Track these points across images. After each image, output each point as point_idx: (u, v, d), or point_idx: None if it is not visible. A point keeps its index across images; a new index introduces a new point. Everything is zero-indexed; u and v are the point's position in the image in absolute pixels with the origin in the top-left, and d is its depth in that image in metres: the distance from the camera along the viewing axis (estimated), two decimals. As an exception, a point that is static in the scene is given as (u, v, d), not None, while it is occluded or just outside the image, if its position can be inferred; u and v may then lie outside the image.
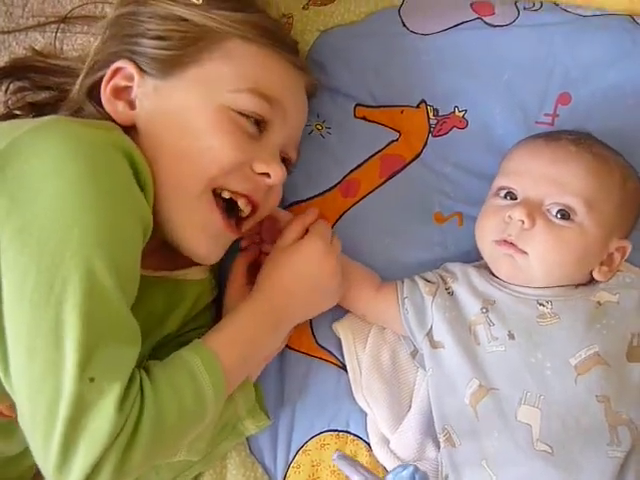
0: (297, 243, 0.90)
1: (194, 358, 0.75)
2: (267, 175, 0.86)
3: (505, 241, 0.86)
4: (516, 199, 0.89)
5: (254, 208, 0.88)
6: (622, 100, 0.98)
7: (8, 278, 0.65)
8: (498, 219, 0.88)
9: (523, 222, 0.84)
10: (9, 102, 0.94)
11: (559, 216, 0.85)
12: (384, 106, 1.04)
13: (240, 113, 0.83)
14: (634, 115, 0.98)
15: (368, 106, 1.05)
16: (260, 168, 0.85)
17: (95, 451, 0.62)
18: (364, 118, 1.05)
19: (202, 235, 0.85)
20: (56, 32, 1.00)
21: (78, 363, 0.62)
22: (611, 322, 0.84)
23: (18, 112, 0.93)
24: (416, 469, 0.66)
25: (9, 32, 1.13)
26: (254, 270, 0.94)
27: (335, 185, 1.03)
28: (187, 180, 0.82)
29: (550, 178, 0.86)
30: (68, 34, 1.03)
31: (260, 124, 0.85)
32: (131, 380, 0.66)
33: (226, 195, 0.85)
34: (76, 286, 0.64)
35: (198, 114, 0.82)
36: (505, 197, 0.90)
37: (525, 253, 0.85)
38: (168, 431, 0.69)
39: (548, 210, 0.85)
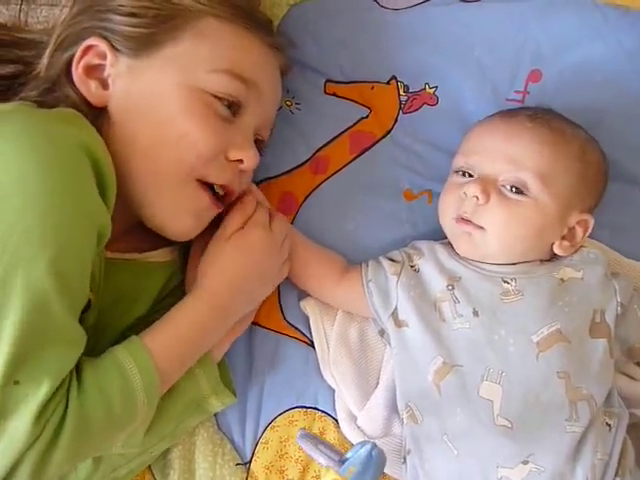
0: (238, 235, 0.87)
1: (128, 360, 0.73)
2: (241, 161, 0.85)
3: (462, 218, 0.87)
4: (473, 177, 0.89)
5: (228, 193, 0.88)
6: (591, 77, 0.98)
7: None
8: (455, 196, 0.89)
9: (478, 198, 0.84)
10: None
11: (513, 191, 0.85)
12: (354, 82, 1.04)
13: (214, 96, 0.82)
14: (603, 92, 0.98)
15: (338, 82, 1.04)
16: (235, 155, 0.84)
17: (11, 453, 0.62)
18: (334, 94, 1.04)
19: (188, 215, 0.85)
20: (20, 4, 0.97)
21: (6, 366, 0.61)
22: (574, 299, 0.84)
23: None
24: (374, 446, 0.67)
25: (-28, 5, 1.11)
26: None
27: (305, 162, 1.03)
28: (167, 167, 0.81)
29: (504, 154, 0.86)
30: (33, 6, 1.00)
31: (234, 107, 0.84)
32: (61, 383, 0.66)
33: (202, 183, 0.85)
34: (13, 290, 0.63)
35: (172, 97, 0.80)
36: (463, 175, 0.90)
37: (482, 228, 0.86)
38: (93, 435, 0.68)
39: (503, 185, 0.85)
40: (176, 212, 0.84)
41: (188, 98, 0.81)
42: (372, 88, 1.03)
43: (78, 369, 0.70)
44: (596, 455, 0.80)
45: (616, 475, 0.81)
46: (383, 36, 1.01)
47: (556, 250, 0.89)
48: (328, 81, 1.04)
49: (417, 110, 1.03)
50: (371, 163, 1.02)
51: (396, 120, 1.03)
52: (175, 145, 0.80)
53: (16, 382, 0.62)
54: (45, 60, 0.84)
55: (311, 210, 1.01)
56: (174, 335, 0.80)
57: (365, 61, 1.03)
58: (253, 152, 0.86)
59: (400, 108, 1.03)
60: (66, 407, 0.65)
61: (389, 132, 1.03)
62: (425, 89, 1.02)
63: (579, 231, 0.89)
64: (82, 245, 0.70)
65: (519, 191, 0.85)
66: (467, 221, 0.87)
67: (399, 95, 1.03)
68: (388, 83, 1.03)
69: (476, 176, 0.88)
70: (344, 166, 1.02)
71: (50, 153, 0.68)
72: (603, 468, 0.81)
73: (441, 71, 1.02)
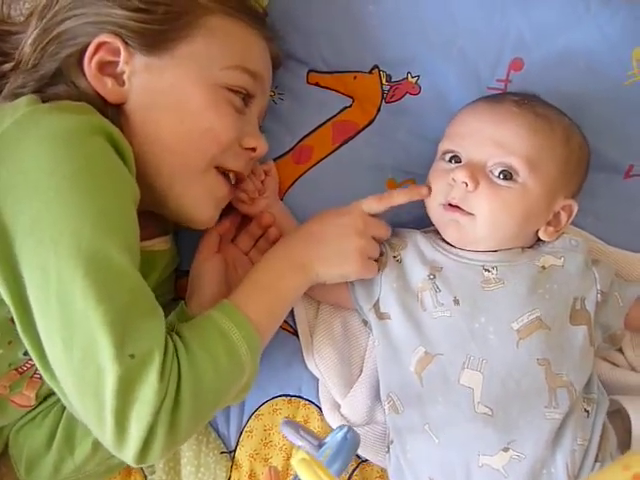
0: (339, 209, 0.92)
1: (219, 316, 0.77)
2: (252, 149, 0.90)
3: (450, 204, 0.87)
4: (460, 162, 0.89)
5: (238, 179, 0.93)
6: (574, 65, 0.97)
7: (30, 276, 0.66)
8: (443, 182, 0.88)
9: (466, 184, 0.84)
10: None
11: (501, 177, 0.85)
12: (337, 72, 1.04)
13: (230, 90, 0.85)
14: (585, 80, 0.98)
15: (321, 72, 1.04)
16: (249, 143, 0.89)
17: (146, 421, 0.65)
18: (317, 84, 1.04)
19: (210, 201, 0.89)
20: (3, -4, 0.98)
21: (114, 345, 0.64)
22: (554, 287, 0.85)
23: None
24: (349, 429, 0.68)
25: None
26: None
27: (288, 151, 1.03)
28: (192, 159, 0.85)
29: (492, 139, 0.86)
30: (15, -2, 1.01)
31: (246, 99, 0.88)
32: (165, 346, 0.68)
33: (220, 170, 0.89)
34: (97, 275, 0.65)
35: (193, 93, 0.83)
36: (450, 161, 0.90)
37: (471, 215, 0.86)
38: (208, 389, 0.71)
39: (491, 171, 0.86)
40: (202, 202, 0.88)
41: (209, 94, 0.84)
42: (354, 78, 1.03)
43: (177, 331, 0.74)
44: (576, 441, 0.81)
45: (596, 460, 0.82)
46: (365, 26, 1.01)
47: (541, 235, 0.89)
48: (311, 71, 1.04)
49: (400, 99, 1.03)
50: (354, 153, 1.02)
51: (379, 109, 1.03)
52: (200, 138, 0.84)
53: (131, 356, 0.65)
54: (27, 50, 0.84)
55: (294, 199, 1.01)
56: (254, 287, 0.84)
57: (347, 51, 1.03)
58: (263, 140, 0.91)
59: (383, 97, 1.03)
60: (179, 366, 0.69)
61: (372, 121, 1.03)
62: (407, 78, 1.02)
63: (563, 216, 0.90)
64: (132, 217, 0.74)
65: (507, 177, 0.85)
66: (455, 207, 0.86)
67: (381, 85, 1.03)
68: (370, 73, 1.03)
69: (463, 161, 0.88)
70: (327, 156, 1.02)
71: (83, 145, 0.71)
72: (583, 454, 0.81)
73: (423, 60, 1.01)
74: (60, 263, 0.65)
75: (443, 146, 0.92)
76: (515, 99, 0.89)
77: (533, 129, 0.86)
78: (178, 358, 0.69)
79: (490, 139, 0.86)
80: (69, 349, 0.65)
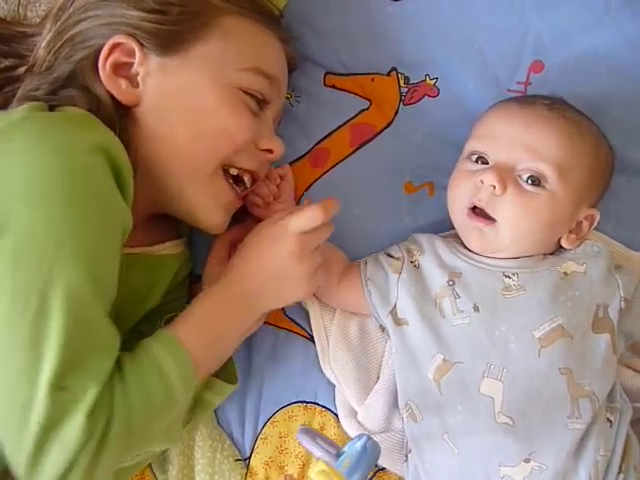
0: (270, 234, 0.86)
1: (162, 353, 0.73)
2: (269, 151, 0.89)
3: (474, 210, 0.85)
4: (487, 164, 0.87)
5: (254, 181, 0.91)
6: (595, 67, 0.96)
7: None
8: (469, 184, 0.86)
9: (494, 187, 0.82)
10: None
11: (529, 182, 0.83)
12: (354, 74, 1.03)
13: (245, 92, 0.85)
14: (606, 82, 0.96)
15: (338, 74, 1.03)
16: (265, 145, 0.88)
17: (66, 456, 0.62)
18: (334, 86, 1.03)
19: (217, 207, 0.88)
20: (20, -3, 0.97)
21: (54, 373, 0.62)
22: (576, 294, 0.83)
23: None
24: (368, 439, 0.67)
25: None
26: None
27: (304, 155, 1.02)
28: (202, 160, 0.84)
29: (523, 143, 0.84)
30: (32, 0, 1.01)
31: (261, 102, 0.87)
32: (104, 386, 0.66)
33: (234, 172, 0.87)
34: (54, 302, 0.64)
35: (207, 94, 0.83)
36: (476, 161, 0.88)
37: (493, 221, 0.84)
38: (136, 430, 0.69)
39: (519, 176, 0.83)
40: (209, 207, 0.87)
41: (224, 94, 0.83)
42: (372, 80, 1.02)
43: (119, 366, 0.70)
44: (598, 452, 0.79)
45: (619, 472, 0.80)
46: (382, 27, 1.00)
47: (563, 243, 0.87)
48: (328, 73, 1.03)
49: (418, 102, 1.02)
50: (371, 156, 1.01)
51: (397, 112, 1.02)
52: (213, 139, 0.83)
53: (63, 388, 0.63)
54: (41, 52, 0.84)
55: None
56: (202, 323, 0.80)
57: (365, 52, 1.02)
58: (280, 142, 0.90)
59: (401, 100, 1.02)
60: (112, 407, 0.66)
61: (390, 124, 1.02)
62: (425, 80, 1.01)
63: (585, 225, 0.88)
64: (111, 248, 0.72)
65: (535, 183, 0.83)
66: (479, 215, 0.85)
67: (399, 87, 1.02)
68: (388, 75, 1.02)
69: (491, 163, 0.86)
70: (344, 159, 1.01)
71: (71, 162, 0.69)
72: (606, 465, 0.80)
73: (442, 62, 1.00)
74: (15, 282, 0.64)
75: (470, 146, 0.90)
76: (546, 102, 0.87)
77: (565, 135, 0.84)
78: (113, 398, 0.66)
79: (520, 142, 0.84)
80: (6, 366, 0.63)
